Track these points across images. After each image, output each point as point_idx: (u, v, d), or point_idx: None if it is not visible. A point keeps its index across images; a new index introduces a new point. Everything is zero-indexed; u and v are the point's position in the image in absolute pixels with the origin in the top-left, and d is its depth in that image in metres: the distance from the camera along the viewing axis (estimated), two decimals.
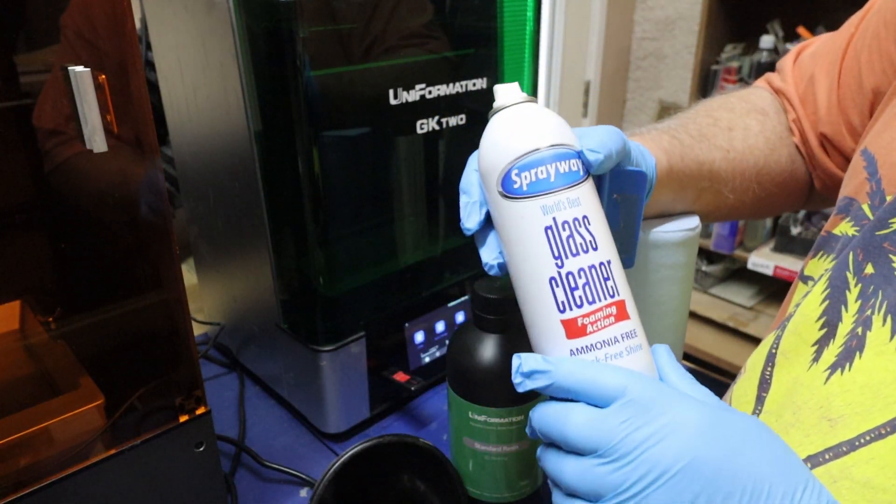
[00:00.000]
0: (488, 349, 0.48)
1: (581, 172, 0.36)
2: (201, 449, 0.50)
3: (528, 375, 0.34)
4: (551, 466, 0.34)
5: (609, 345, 0.34)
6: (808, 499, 0.29)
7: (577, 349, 0.34)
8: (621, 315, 0.35)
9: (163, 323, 0.50)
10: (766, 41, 1.74)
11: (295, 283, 0.64)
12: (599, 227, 0.35)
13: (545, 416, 0.34)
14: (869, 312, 0.37)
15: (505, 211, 0.36)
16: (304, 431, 0.70)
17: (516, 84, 0.38)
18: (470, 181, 0.40)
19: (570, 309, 0.34)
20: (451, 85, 0.63)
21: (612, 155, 0.37)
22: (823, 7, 1.73)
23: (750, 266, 1.87)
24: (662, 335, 0.50)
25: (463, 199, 0.40)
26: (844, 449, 0.35)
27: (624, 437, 0.31)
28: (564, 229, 0.34)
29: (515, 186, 0.35)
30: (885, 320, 0.36)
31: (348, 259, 0.64)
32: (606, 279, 0.35)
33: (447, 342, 0.68)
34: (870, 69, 0.49)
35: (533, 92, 0.74)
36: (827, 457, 0.35)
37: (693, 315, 1.97)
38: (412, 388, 0.65)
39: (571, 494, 0.33)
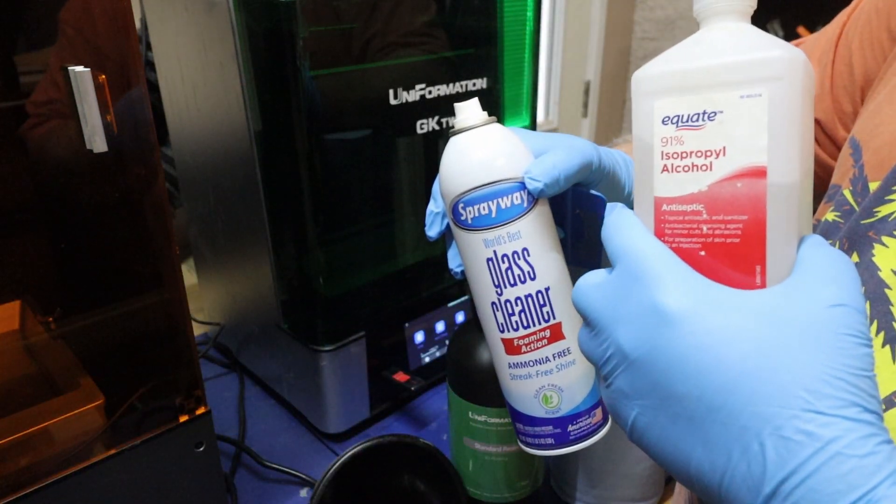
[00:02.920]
0: (488, 349, 0.48)
1: (525, 204, 0.37)
2: (201, 449, 0.50)
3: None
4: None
5: (541, 363, 0.38)
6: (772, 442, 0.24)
7: (513, 363, 0.39)
8: (555, 337, 0.38)
9: (163, 323, 0.50)
10: None
11: (295, 283, 0.64)
12: (541, 256, 0.38)
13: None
14: None
15: (457, 236, 0.39)
16: (304, 431, 0.70)
17: (475, 102, 0.39)
18: (437, 189, 0.41)
19: (508, 331, 0.38)
20: (451, 85, 0.63)
21: (558, 180, 0.37)
22: (823, 7, 1.73)
23: None
24: None
25: (430, 205, 0.42)
26: None
27: (601, 312, 0.30)
28: (503, 262, 0.37)
29: (462, 218, 0.38)
30: None
31: (348, 259, 0.64)
32: (542, 305, 0.38)
33: (447, 342, 0.68)
34: (861, 56, 0.50)
35: (533, 92, 0.73)
36: None
37: None
38: (412, 388, 0.65)
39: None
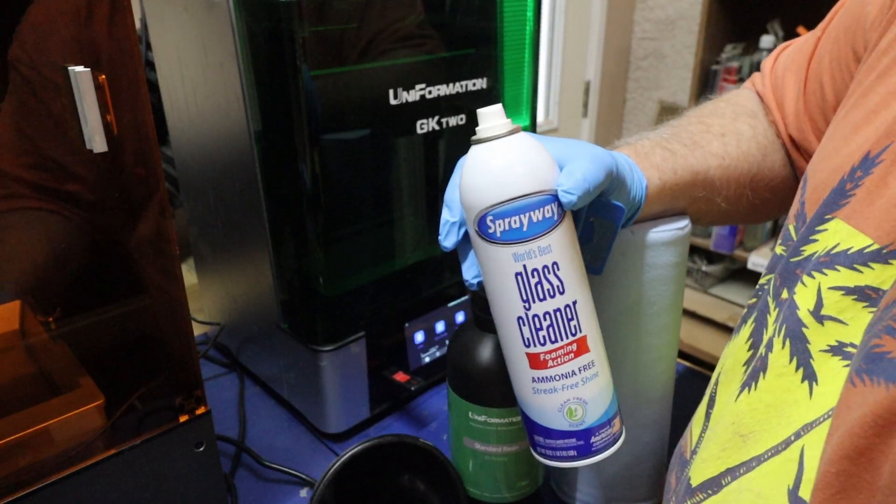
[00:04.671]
0: (488, 349, 0.48)
1: (556, 217, 0.36)
2: (201, 449, 0.50)
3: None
4: None
5: (567, 377, 0.38)
6: None
7: (537, 378, 0.38)
8: (581, 350, 0.38)
9: (163, 323, 0.50)
10: (766, 41, 1.74)
11: (295, 283, 0.64)
12: (568, 269, 0.37)
13: None
14: (773, 335, 0.38)
15: (481, 248, 0.38)
16: (304, 431, 0.70)
17: (500, 109, 0.37)
18: (453, 198, 0.40)
19: (534, 346, 0.37)
20: (451, 85, 0.63)
21: (589, 191, 0.37)
22: (823, 7, 1.73)
23: (750, 266, 1.87)
24: (656, 334, 0.50)
25: (444, 215, 0.40)
26: (754, 464, 0.36)
27: None
28: (533, 276, 0.36)
29: (490, 231, 0.36)
30: (783, 343, 0.37)
31: (348, 259, 0.64)
32: (570, 319, 0.37)
33: (447, 342, 0.68)
34: (830, 76, 0.49)
35: (533, 92, 0.73)
36: (741, 471, 0.37)
37: (693, 315, 1.97)
38: (412, 388, 0.65)
39: None
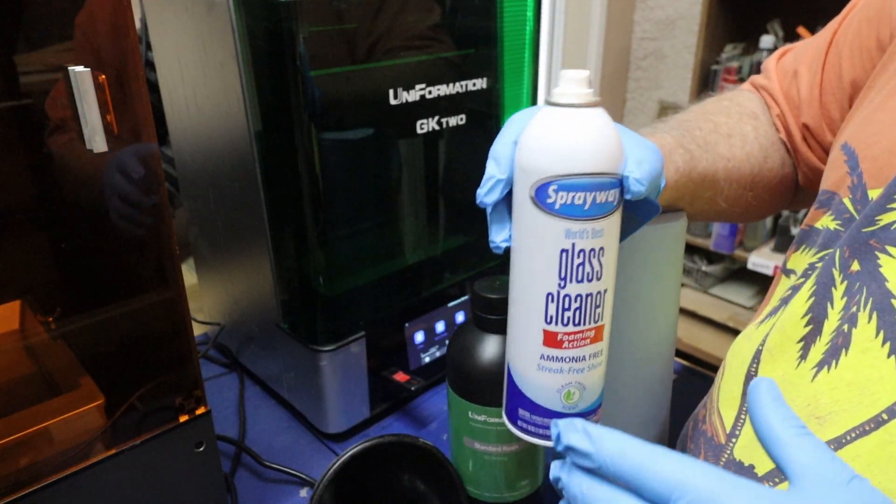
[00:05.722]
0: (488, 349, 0.48)
1: (615, 202, 0.35)
2: (201, 449, 0.50)
3: (568, 449, 0.32)
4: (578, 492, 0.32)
5: (577, 361, 0.37)
6: None
7: (546, 356, 0.37)
8: (597, 338, 0.37)
9: (163, 323, 0.50)
10: (766, 41, 1.74)
11: (295, 283, 0.64)
12: (610, 257, 0.36)
13: (583, 496, 0.31)
14: (854, 309, 0.37)
15: (528, 215, 0.36)
16: (304, 431, 0.70)
17: (587, 76, 0.35)
18: (504, 154, 0.37)
19: (556, 324, 0.36)
20: (451, 85, 0.63)
21: (655, 184, 0.36)
22: (823, 7, 1.73)
23: (750, 266, 1.87)
24: (652, 326, 0.50)
25: (490, 168, 0.37)
26: (833, 447, 0.35)
27: None
28: (579, 256, 0.35)
29: (549, 201, 0.34)
30: (870, 317, 0.36)
31: (348, 259, 0.64)
32: (597, 307, 0.36)
33: (447, 342, 0.68)
34: (850, 63, 0.50)
35: (533, 92, 0.73)
36: None
37: (693, 315, 1.97)
38: (412, 388, 0.65)
39: None
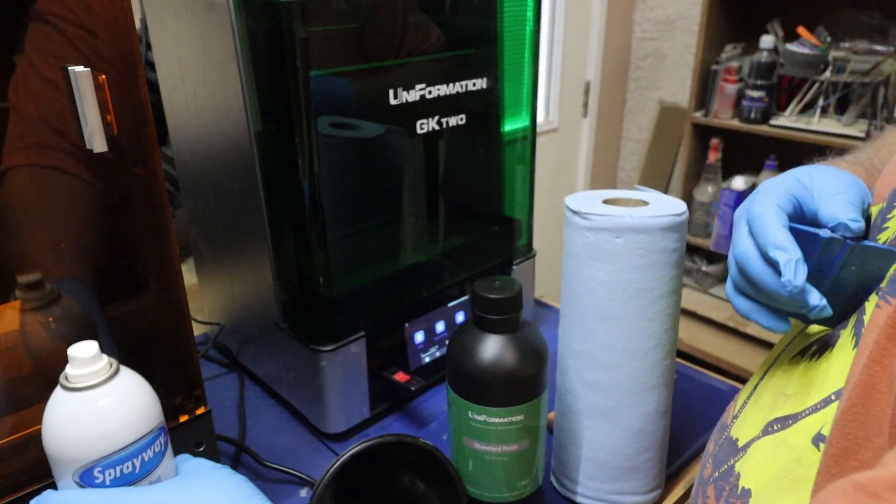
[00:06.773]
0: (488, 349, 0.48)
1: (164, 449, 0.40)
2: (201, 449, 0.50)
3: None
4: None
5: None
6: None
7: None
8: None
9: (163, 323, 0.50)
10: (766, 41, 1.74)
11: (295, 283, 0.64)
12: None
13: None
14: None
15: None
16: (304, 431, 0.70)
17: (95, 349, 0.39)
18: (784, 239, 0.38)
19: None
20: (451, 85, 0.63)
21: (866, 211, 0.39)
22: (823, 7, 1.73)
23: None
24: (655, 320, 0.50)
25: (782, 256, 0.38)
26: (790, 422, 0.38)
27: None
28: None
29: (97, 482, 0.37)
30: (850, 320, 0.38)
31: (348, 259, 0.64)
32: None
33: (447, 342, 0.68)
34: None
35: (533, 92, 0.73)
36: (776, 427, 0.39)
37: (693, 315, 1.97)
38: (412, 388, 0.65)
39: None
